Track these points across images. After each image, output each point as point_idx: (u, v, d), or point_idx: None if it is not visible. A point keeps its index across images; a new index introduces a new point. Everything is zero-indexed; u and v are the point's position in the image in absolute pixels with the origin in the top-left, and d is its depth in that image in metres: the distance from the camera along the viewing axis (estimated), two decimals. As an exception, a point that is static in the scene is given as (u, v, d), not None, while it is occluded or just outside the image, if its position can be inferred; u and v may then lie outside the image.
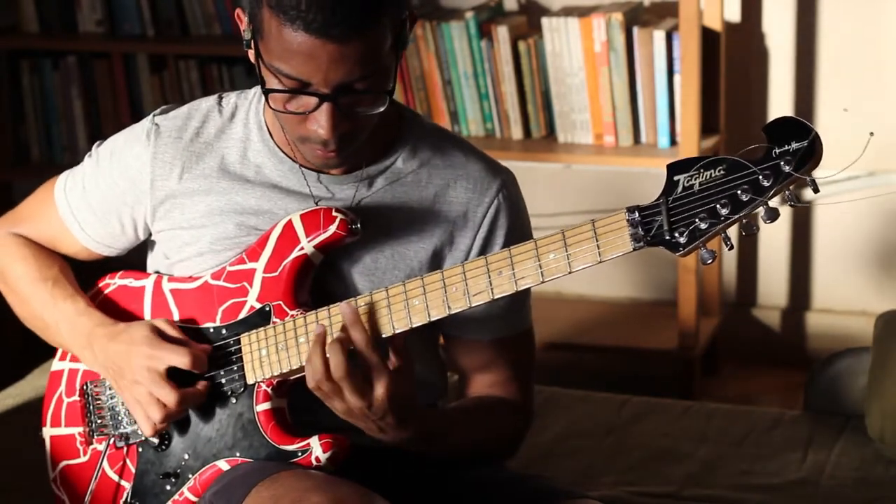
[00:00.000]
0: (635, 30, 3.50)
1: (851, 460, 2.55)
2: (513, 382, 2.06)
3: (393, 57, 1.85)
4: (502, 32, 3.58)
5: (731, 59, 3.65)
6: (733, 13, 3.69)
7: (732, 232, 1.70)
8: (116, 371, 1.99)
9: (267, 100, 1.86)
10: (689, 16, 3.40)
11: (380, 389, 1.81)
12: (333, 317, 1.89)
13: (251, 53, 1.91)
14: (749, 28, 3.70)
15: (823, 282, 3.83)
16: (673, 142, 3.54)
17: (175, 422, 2.01)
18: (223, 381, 1.98)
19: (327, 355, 1.81)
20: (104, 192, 2.07)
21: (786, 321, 3.87)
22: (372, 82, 1.84)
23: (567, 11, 3.59)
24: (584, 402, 2.81)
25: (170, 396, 1.94)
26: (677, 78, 3.48)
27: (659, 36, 3.48)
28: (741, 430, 2.68)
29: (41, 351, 2.21)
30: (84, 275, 2.15)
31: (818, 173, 1.70)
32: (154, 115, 2.06)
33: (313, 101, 1.83)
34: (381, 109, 1.87)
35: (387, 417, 1.83)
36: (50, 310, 2.09)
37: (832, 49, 3.67)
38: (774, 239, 3.84)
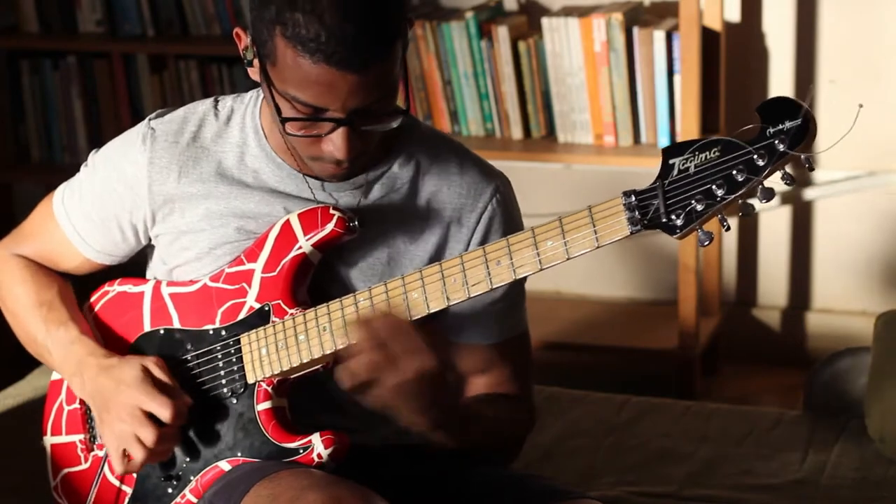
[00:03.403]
0: (635, 30, 3.50)
1: (851, 460, 2.55)
2: (513, 382, 2.06)
3: (401, 71, 1.86)
4: (502, 32, 3.58)
5: (731, 59, 3.66)
6: (733, 13, 3.69)
7: (732, 222, 1.69)
8: (102, 404, 1.99)
9: (284, 127, 1.85)
10: (689, 16, 3.40)
11: (431, 355, 1.77)
12: (333, 313, 1.89)
13: (252, 71, 1.90)
14: (749, 28, 3.71)
15: (823, 282, 3.83)
16: (673, 142, 3.54)
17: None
18: (223, 381, 1.98)
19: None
20: (102, 198, 2.06)
21: (786, 321, 3.87)
22: (386, 103, 1.85)
23: (567, 11, 3.60)
24: (584, 402, 2.81)
25: (150, 437, 1.93)
26: (677, 78, 3.49)
27: (659, 36, 3.48)
28: (741, 430, 2.68)
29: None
30: (83, 285, 2.15)
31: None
32: (150, 119, 2.06)
33: (328, 124, 1.83)
34: (395, 126, 1.88)
35: (438, 389, 1.80)
36: (43, 336, 2.09)
37: (832, 49, 3.67)
38: (774, 239, 3.84)
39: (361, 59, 1.78)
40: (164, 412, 1.93)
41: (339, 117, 1.82)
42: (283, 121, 1.84)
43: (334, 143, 1.84)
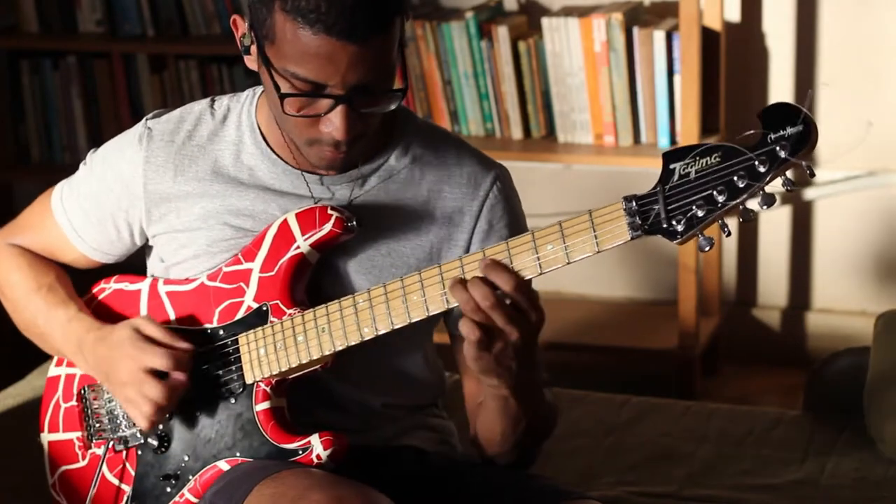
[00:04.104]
0: (635, 30, 3.50)
1: (851, 460, 2.55)
2: None
3: (399, 55, 1.86)
4: (502, 32, 3.58)
5: (731, 59, 3.65)
6: (733, 13, 3.69)
7: (732, 222, 1.69)
8: (106, 374, 2.00)
9: (282, 105, 1.85)
10: (689, 16, 3.40)
11: (534, 315, 1.76)
12: (331, 314, 1.89)
13: (249, 59, 1.91)
14: (749, 28, 3.70)
15: (823, 282, 3.83)
16: (673, 142, 3.54)
17: (174, 423, 2.01)
18: (221, 381, 1.98)
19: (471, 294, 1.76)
20: (99, 197, 2.07)
21: (786, 321, 3.87)
22: (385, 82, 1.85)
23: (567, 11, 3.60)
24: (584, 402, 2.81)
25: (156, 392, 1.94)
26: (677, 78, 3.48)
27: (659, 36, 3.48)
28: (741, 430, 2.68)
29: (39, 352, 2.21)
30: (82, 281, 2.16)
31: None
32: (146, 119, 2.06)
33: (327, 102, 1.83)
34: (393, 107, 1.87)
35: (529, 350, 1.79)
36: (44, 317, 2.09)
37: (832, 49, 3.67)
38: (774, 239, 3.84)
39: (362, 30, 1.78)
40: (161, 361, 1.93)
41: (339, 94, 1.82)
42: (283, 97, 1.84)
43: (333, 123, 1.84)
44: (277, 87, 1.84)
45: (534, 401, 1.93)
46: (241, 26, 1.91)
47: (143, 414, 1.96)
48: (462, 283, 1.77)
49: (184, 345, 1.97)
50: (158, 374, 1.95)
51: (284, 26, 1.80)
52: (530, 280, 1.78)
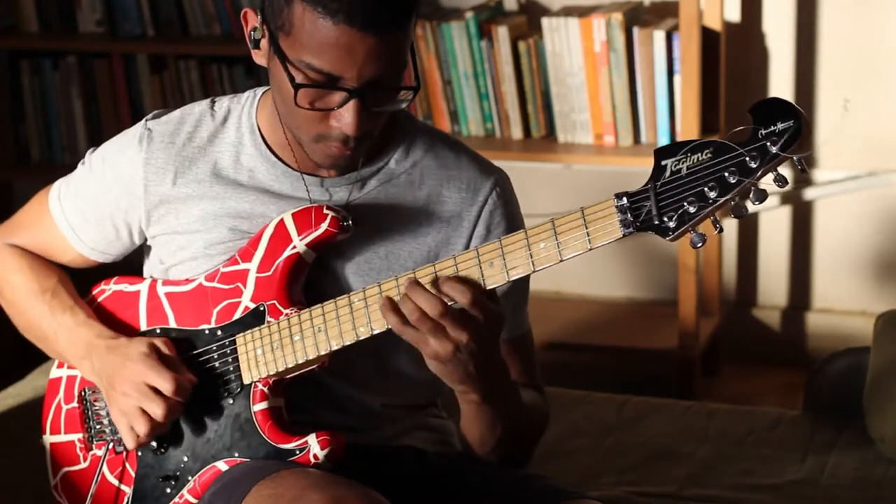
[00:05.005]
0: (635, 30, 3.50)
1: (851, 460, 2.55)
2: (525, 376, 2.06)
3: (410, 53, 1.86)
4: (502, 32, 3.58)
5: (731, 59, 3.65)
6: (733, 13, 3.69)
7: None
8: (108, 381, 2.00)
9: (296, 96, 1.84)
10: (689, 16, 3.40)
11: (479, 313, 1.77)
12: (328, 314, 1.89)
13: (257, 54, 1.91)
14: (749, 28, 3.71)
15: (823, 282, 3.83)
16: (673, 142, 3.53)
17: (173, 424, 2.01)
18: (220, 381, 1.98)
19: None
20: (98, 197, 2.07)
21: (786, 321, 3.87)
22: (397, 79, 1.85)
23: (567, 11, 3.60)
24: (584, 402, 2.81)
25: (157, 409, 1.94)
26: (677, 78, 3.48)
27: (659, 36, 3.48)
28: (741, 430, 2.68)
29: (40, 351, 2.21)
30: (81, 281, 2.16)
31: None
32: (146, 120, 2.06)
33: (340, 96, 1.83)
34: (405, 105, 1.87)
35: (485, 351, 1.80)
36: (48, 321, 2.09)
37: (832, 49, 3.67)
38: (774, 239, 3.84)
39: (382, 23, 1.78)
40: (166, 385, 1.94)
41: (353, 87, 1.82)
42: (297, 87, 1.83)
43: (344, 118, 1.84)
44: (292, 78, 1.84)
45: (508, 404, 1.93)
46: (251, 20, 1.91)
47: (135, 429, 1.96)
48: (392, 303, 1.81)
49: (190, 375, 1.97)
50: (160, 395, 1.96)
51: (303, 16, 1.80)
52: (459, 285, 1.78)
